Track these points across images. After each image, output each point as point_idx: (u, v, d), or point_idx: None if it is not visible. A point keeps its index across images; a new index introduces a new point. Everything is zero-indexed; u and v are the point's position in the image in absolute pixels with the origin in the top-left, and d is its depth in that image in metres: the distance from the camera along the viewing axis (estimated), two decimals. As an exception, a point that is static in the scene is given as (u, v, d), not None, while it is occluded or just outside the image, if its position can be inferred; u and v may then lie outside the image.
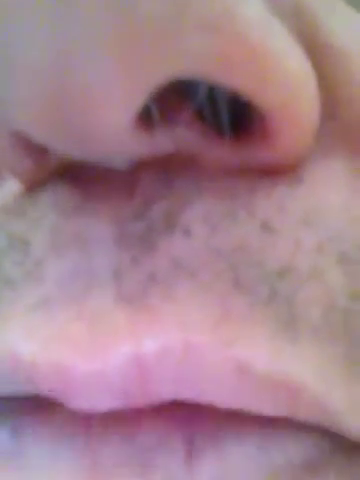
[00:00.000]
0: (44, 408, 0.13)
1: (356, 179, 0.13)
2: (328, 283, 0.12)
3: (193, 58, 0.11)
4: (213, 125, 0.13)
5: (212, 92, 0.12)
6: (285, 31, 0.11)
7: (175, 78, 0.11)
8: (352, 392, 0.12)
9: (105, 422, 0.13)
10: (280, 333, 0.12)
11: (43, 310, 0.12)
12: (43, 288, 0.13)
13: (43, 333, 0.12)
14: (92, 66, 0.10)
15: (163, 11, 0.10)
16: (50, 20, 0.10)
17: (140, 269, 0.12)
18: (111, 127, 0.11)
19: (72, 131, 0.11)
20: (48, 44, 0.10)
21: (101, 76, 0.10)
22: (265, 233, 0.12)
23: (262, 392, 0.12)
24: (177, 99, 0.12)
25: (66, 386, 0.12)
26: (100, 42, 0.10)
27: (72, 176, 0.14)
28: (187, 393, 0.12)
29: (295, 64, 0.11)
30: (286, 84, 0.11)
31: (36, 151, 0.13)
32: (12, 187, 0.14)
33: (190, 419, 0.13)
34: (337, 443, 0.13)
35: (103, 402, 0.12)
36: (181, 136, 0.12)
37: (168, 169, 0.13)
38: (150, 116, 0.12)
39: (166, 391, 0.12)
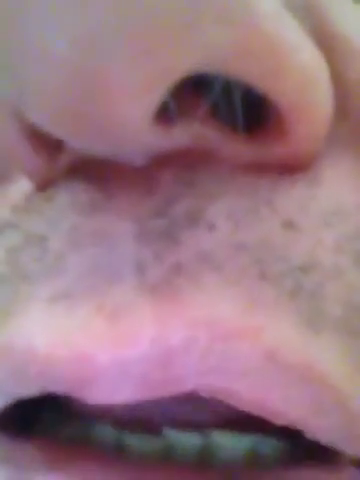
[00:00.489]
0: None
1: None
2: (347, 280, 0.13)
3: (212, 51, 0.11)
4: (228, 121, 0.13)
5: (227, 87, 0.12)
6: (297, 25, 0.12)
7: (193, 72, 0.11)
8: None
9: None
10: (304, 325, 0.12)
11: (63, 303, 0.12)
12: (63, 282, 0.13)
13: (63, 325, 0.12)
14: (113, 59, 0.10)
15: (183, 4, 0.10)
16: (73, 12, 0.10)
17: (163, 262, 0.12)
18: (131, 121, 0.11)
19: (91, 125, 0.11)
20: (71, 37, 0.10)
21: (122, 69, 0.10)
22: (287, 230, 0.13)
23: (288, 380, 0.12)
24: (193, 94, 0.12)
25: (86, 376, 0.12)
26: (121, 35, 0.10)
27: (88, 174, 0.14)
28: (210, 383, 0.12)
29: (309, 57, 0.12)
30: (300, 76, 0.12)
31: (49, 148, 0.13)
32: (21, 186, 0.14)
33: None
34: None
35: (123, 393, 0.12)
36: (198, 131, 0.13)
37: (188, 166, 0.13)
38: (167, 111, 0.12)
39: (189, 381, 0.12)
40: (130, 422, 0.15)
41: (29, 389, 0.13)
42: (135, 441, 0.15)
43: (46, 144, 0.13)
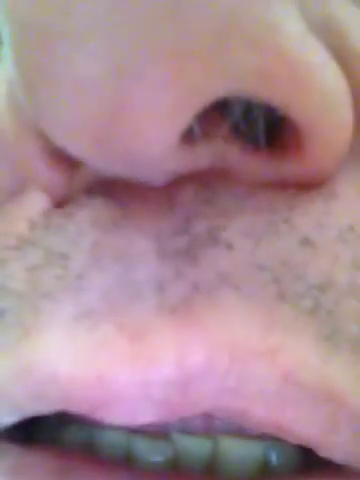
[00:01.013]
0: None
1: None
2: None
3: (238, 75, 0.11)
4: (249, 137, 0.13)
5: (248, 105, 0.12)
6: (322, 46, 0.12)
7: (220, 96, 0.11)
8: None
9: None
10: (322, 344, 0.12)
11: (85, 322, 0.12)
12: (85, 301, 0.13)
13: (85, 346, 0.12)
14: (142, 85, 0.10)
15: (210, 28, 0.10)
16: (102, 38, 0.10)
17: (184, 281, 0.12)
18: (157, 146, 0.11)
19: (117, 149, 0.11)
20: (100, 63, 0.10)
21: (151, 95, 0.10)
22: (305, 247, 0.13)
23: (304, 401, 0.12)
24: (214, 113, 0.12)
25: (107, 399, 0.12)
26: (151, 60, 0.10)
27: (108, 191, 0.14)
28: (226, 404, 0.12)
29: (331, 80, 0.12)
30: (322, 99, 0.12)
31: (67, 164, 0.13)
32: (37, 200, 0.14)
33: None
34: None
35: (144, 415, 0.12)
36: (220, 151, 0.13)
37: (207, 185, 0.13)
38: (190, 132, 0.12)
39: (207, 402, 0.12)
40: (139, 426, 0.15)
41: (48, 408, 0.13)
42: (143, 447, 0.15)
43: (64, 160, 0.13)
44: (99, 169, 0.12)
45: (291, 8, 0.11)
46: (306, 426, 0.12)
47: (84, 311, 0.12)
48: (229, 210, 0.13)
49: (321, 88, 0.11)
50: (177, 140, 0.11)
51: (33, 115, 0.11)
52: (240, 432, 0.15)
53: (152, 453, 0.15)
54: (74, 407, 0.12)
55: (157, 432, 0.15)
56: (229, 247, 0.13)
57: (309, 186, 0.13)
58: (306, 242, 0.13)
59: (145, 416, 0.12)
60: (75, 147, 0.11)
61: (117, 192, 0.14)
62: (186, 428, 0.15)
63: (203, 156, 0.13)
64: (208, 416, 0.15)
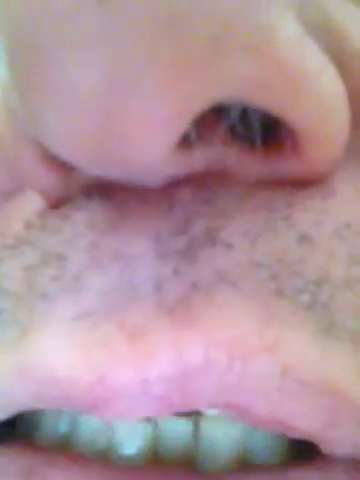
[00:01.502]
0: None
1: None
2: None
3: (235, 82, 0.11)
4: (245, 138, 0.13)
5: (244, 108, 0.12)
6: (319, 50, 0.12)
7: (216, 102, 0.11)
8: None
9: None
10: (320, 338, 0.12)
11: (83, 322, 0.12)
12: (83, 301, 0.13)
13: (84, 345, 0.12)
14: (138, 94, 0.10)
15: (206, 35, 0.10)
16: (97, 51, 0.10)
17: (182, 280, 0.12)
18: (154, 153, 0.11)
19: (114, 157, 0.11)
20: (95, 76, 0.10)
21: (146, 104, 0.10)
22: (302, 244, 0.13)
23: (304, 395, 0.12)
24: (210, 116, 0.12)
25: (107, 397, 0.12)
26: (146, 70, 0.10)
27: (105, 193, 0.14)
28: (226, 400, 0.13)
29: (328, 84, 0.12)
30: (318, 104, 0.12)
31: (62, 167, 0.13)
32: (33, 201, 0.14)
33: None
34: None
35: (142, 411, 0.12)
36: (217, 153, 0.13)
37: (206, 185, 0.13)
38: (186, 136, 0.12)
39: (206, 399, 0.13)
40: None
41: (45, 406, 0.13)
42: (123, 436, 0.15)
43: (60, 164, 0.13)
44: (95, 174, 0.12)
45: (288, 12, 0.11)
46: (307, 420, 0.13)
47: (82, 311, 0.12)
48: (228, 210, 0.13)
49: (317, 94, 0.12)
50: (173, 146, 0.11)
51: (27, 123, 0.11)
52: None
53: (132, 438, 0.15)
54: (74, 406, 0.13)
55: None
56: (228, 246, 0.13)
57: (308, 184, 0.13)
58: (304, 239, 0.13)
59: (143, 412, 0.13)
60: (70, 156, 0.11)
61: (115, 193, 0.13)
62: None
63: (200, 159, 0.13)
64: None
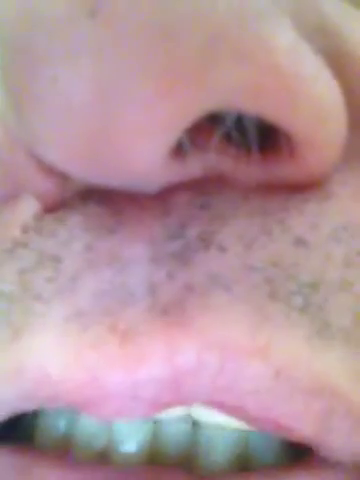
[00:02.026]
0: None
1: None
2: (355, 293, 0.13)
3: (229, 91, 0.11)
4: (240, 143, 0.13)
5: (239, 113, 0.12)
6: (314, 55, 0.11)
7: (209, 111, 0.11)
8: None
9: None
10: (313, 339, 0.12)
11: (76, 323, 0.13)
12: (76, 303, 0.13)
13: (75, 346, 0.12)
14: (130, 103, 0.10)
15: (199, 44, 0.10)
16: (89, 60, 0.10)
17: (176, 282, 0.13)
18: (147, 160, 0.11)
19: (107, 166, 0.11)
20: (88, 85, 0.10)
21: (139, 112, 0.10)
22: (298, 248, 0.13)
23: (297, 396, 0.12)
24: (205, 124, 0.12)
25: (98, 398, 0.12)
26: (138, 79, 0.10)
27: (102, 198, 0.14)
28: (219, 401, 0.13)
29: (324, 90, 0.12)
30: (314, 110, 0.12)
31: (58, 173, 0.13)
32: (30, 205, 0.14)
33: None
34: None
35: (134, 412, 0.13)
36: (212, 161, 0.13)
37: (202, 190, 0.13)
38: (180, 143, 0.12)
39: (199, 399, 0.13)
40: None
41: (37, 406, 0.13)
42: (122, 436, 0.16)
43: (56, 170, 0.12)
44: (89, 182, 0.12)
45: (282, 19, 0.11)
46: (301, 421, 0.13)
47: (76, 312, 0.13)
48: (223, 214, 0.13)
49: (313, 99, 0.11)
50: (166, 155, 0.11)
51: (21, 133, 0.11)
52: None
53: (130, 438, 0.15)
54: (64, 405, 0.13)
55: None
56: (222, 250, 0.13)
57: (304, 188, 0.13)
58: (300, 242, 0.13)
59: (134, 413, 0.13)
60: (64, 166, 0.11)
61: (111, 198, 0.14)
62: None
63: (194, 167, 0.13)
64: None
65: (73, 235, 0.13)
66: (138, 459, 0.15)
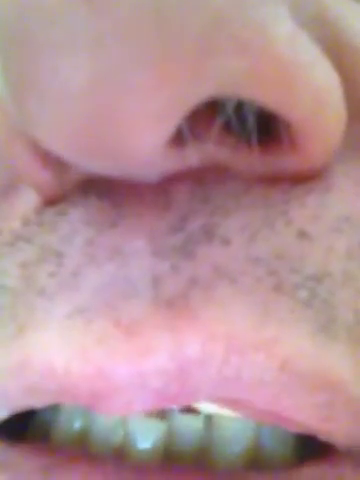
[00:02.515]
0: None
1: None
2: (358, 286, 0.13)
3: (227, 78, 0.11)
4: (241, 134, 0.13)
5: (239, 103, 0.12)
6: (312, 44, 0.11)
7: (208, 98, 0.11)
8: None
9: None
10: (318, 333, 0.12)
11: (80, 318, 0.13)
12: (79, 297, 0.13)
13: (81, 341, 0.12)
14: (129, 91, 0.10)
15: (197, 31, 0.10)
16: (88, 47, 0.10)
17: (180, 275, 0.12)
18: (146, 148, 0.11)
19: (107, 154, 0.11)
20: (87, 73, 0.10)
21: (137, 100, 0.10)
22: (302, 240, 0.13)
23: (302, 389, 0.12)
24: (205, 112, 0.12)
25: (104, 391, 0.12)
26: (137, 66, 0.10)
27: (102, 190, 0.14)
28: (225, 394, 0.13)
29: (323, 78, 0.12)
30: (313, 98, 0.12)
31: (57, 163, 0.13)
32: (30, 197, 0.14)
33: None
34: None
35: (140, 405, 0.13)
36: (211, 151, 0.13)
37: (202, 182, 0.13)
38: (180, 132, 0.12)
39: (204, 392, 0.13)
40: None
41: (44, 402, 0.13)
42: (137, 434, 0.16)
43: (55, 160, 0.13)
44: (88, 171, 0.12)
45: (280, 8, 0.11)
46: (305, 414, 0.13)
47: (79, 307, 0.13)
48: (225, 206, 0.13)
49: (311, 88, 0.11)
50: (165, 143, 0.11)
51: (20, 121, 0.11)
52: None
53: (146, 433, 0.16)
54: (70, 400, 0.13)
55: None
56: (225, 242, 0.13)
57: (305, 178, 0.13)
58: (302, 234, 0.13)
59: (143, 406, 0.13)
60: (63, 154, 0.12)
61: (112, 191, 0.14)
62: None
63: (194, 155, 0.13)
64: None
65: (74, 229, 0.13)
66: (153, 455, 0.16)
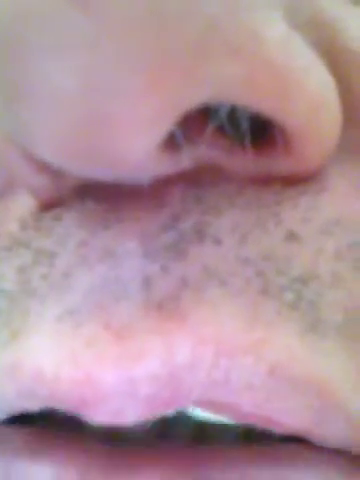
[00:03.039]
0: None
1: None
2: (347, 287, 0.13)
3: (221, 84, 0.11)
4: (234, 135, 0.13)
5: (232, 106, 0.12)
6: (307, 47, 0.11)
7: (201, 104, 0.11)
8: None
9: None
10: (306, 335, 0.12)
11: (70, 321, 0.12)
12: (70, 299, 0.13)
13: (70, 344, 0.12)
14: (121, 95, 0.10)
15: (190, 37, 0.10)
16: (80, 52, 0.10)
17: (171, 276, 0.12)
18: (138, 153, 0.11)
19: (98, 159, 0.11)
20: (78, 77, 0.10)
21: (130, 104, 0.10)
22: (291, 242, 0.13)
23: (291, 392, 0.12)
24: (198, 116, 0.12)
25: (93, 397, 0.12)
26: (129, 71, 0.10)
27: (96, 192, 0.14)
28: (213, 397, 0.13)
29: (317, 82, 0.12)
30: (308, 103, 0.12)
31: (52, 169, 0.13)
32: (27, 200, 0.14)
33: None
34: None
35: (131, 413, 0.12)
36: (205, 154, 0.13)
37: (196, 183, 0.13)
38: (173, 135, 0.12)
39: (195, 396, 0.12)
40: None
41: (35, 406, 0.13)
42: None
43: (49, 165, 0.12)
44: (81, 176, 0.12)
45: (274, 12, 0.11)
46: (295, 417, 0.13)
47: (69, 310, 0.13)
48: (218, 207, 0.13)
49: (306, 93, 0.11)
50: (157, 148, 0.11)
51: (12, 128, 0.11)
52: None
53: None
54: (60, 405, 0.13)
55: None
56: (216, 242, 0.13)
57: (298, 181, 0.13)
58: (292, 236, 0.13)
59: (132, 414, 0.12)
60: (54, 160, 0.11)
61: (107, 194, 0.14)
62: None
63: (186, 159, 0.13)
64: None
65: (68, 232, 0.13)
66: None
